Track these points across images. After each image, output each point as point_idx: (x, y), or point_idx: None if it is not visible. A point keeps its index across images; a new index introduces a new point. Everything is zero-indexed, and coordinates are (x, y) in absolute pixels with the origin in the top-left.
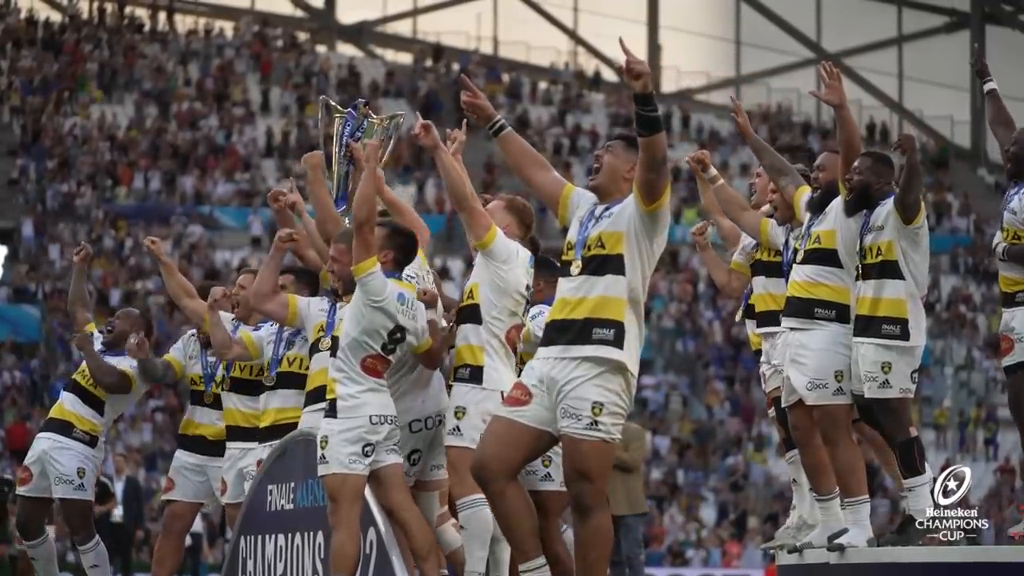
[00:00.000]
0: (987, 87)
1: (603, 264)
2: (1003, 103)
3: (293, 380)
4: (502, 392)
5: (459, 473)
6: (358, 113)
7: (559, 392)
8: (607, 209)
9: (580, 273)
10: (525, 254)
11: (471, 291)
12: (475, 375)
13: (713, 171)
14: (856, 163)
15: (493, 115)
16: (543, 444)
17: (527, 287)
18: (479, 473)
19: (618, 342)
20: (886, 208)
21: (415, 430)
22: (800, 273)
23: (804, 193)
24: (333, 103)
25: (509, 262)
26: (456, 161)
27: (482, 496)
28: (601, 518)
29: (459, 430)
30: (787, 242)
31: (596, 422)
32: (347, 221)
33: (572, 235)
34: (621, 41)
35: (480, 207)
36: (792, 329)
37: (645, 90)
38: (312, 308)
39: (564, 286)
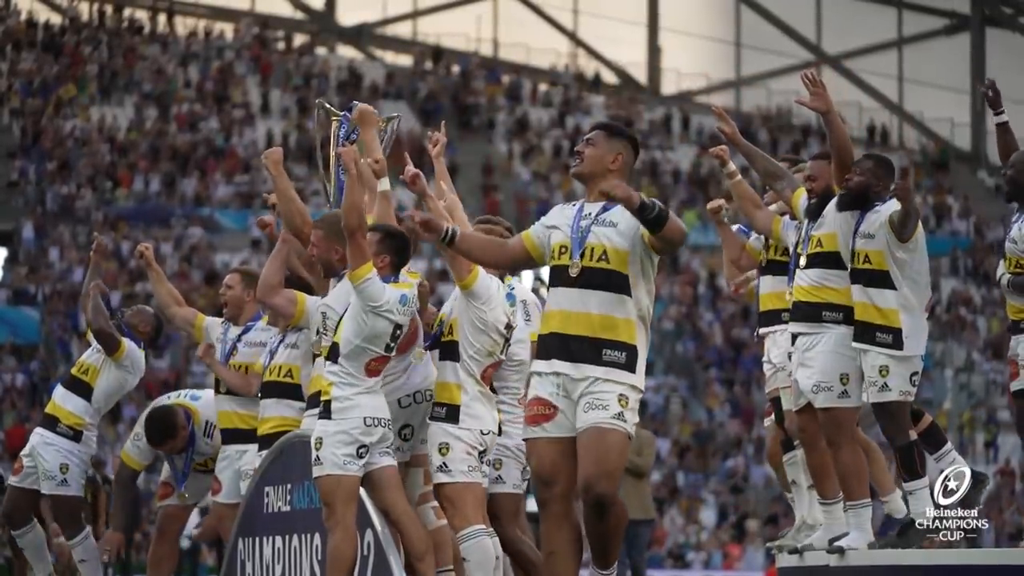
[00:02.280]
0: (998, 119)
1: (607, 280)
2: (1013, 136)
3: (274, 389)
4: (480, 430)
5: (456, 506)
6: (352, 116)
7: (580, 391)
8: (605, 210)
9: (578, 280)
10: (503, 289)
11: (451, 327)
12: (451, 414)
13: (732, 166)
14: (858, 161)
15: (442, 227)
16: None
17: (507, 326)
18: (544, 490)
19: (630, 366)
20: (879, 218)
21: (404, 405)
22: (805, 278)
23: (801, 196)
24: (329, 106)
25: (490, 302)
26: (441, 165)
27: (482, 526)
28: (619, 510)
29: (446, 466)
30: (797, 243)
31: (622, 413)
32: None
33: (562, 237)
34: (611, 189)
35: None
36: (801, 334)
37: (637, 205)
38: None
39: (559, 296)
